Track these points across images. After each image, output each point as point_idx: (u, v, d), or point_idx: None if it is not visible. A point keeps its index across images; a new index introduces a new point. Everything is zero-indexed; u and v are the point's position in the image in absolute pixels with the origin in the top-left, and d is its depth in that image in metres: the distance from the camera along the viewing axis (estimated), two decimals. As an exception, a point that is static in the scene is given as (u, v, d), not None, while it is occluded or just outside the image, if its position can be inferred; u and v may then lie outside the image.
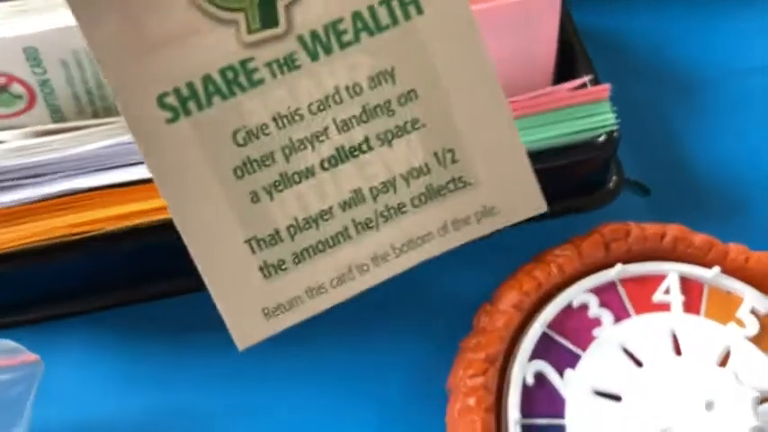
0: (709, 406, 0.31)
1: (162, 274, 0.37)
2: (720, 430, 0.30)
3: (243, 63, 0.15)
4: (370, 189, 0.16)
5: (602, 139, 0.37)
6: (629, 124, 0.44)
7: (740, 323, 0.36)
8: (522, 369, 0.34)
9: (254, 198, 0.16)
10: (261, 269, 0.16)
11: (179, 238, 0.17)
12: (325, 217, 0.16)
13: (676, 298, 0.36)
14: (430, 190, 0.17)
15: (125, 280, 0.38)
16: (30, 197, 0.33)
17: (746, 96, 0.47)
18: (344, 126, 0.16)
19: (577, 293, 0.36)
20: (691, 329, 0.35)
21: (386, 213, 0.17)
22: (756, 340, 0.35)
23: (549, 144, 0.36)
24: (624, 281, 0.37)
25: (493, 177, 0.17)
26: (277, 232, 0.16)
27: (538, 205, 0.17)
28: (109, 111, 0.38)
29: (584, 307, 0.36)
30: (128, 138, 0.34)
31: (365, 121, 0.16)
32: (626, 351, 0.34)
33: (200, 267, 0.16)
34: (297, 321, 0.16)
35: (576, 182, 0.40)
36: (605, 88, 0.36)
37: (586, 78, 0.36)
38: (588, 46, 0.41)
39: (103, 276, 0.38)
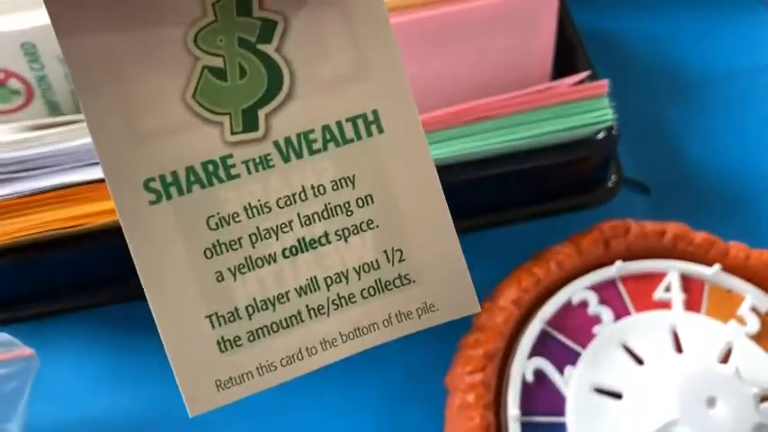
0: (711, 403, 0.30)
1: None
2: (722, 427, 0.30)
3: (223, 159, 0.17)
4: (325, 279, 0.18)
5: (601, 135, 0.37)
6: (630, 124, 0.44)
7: (741, 321, 0.35)
8: (522, 366, 0.34)
9: (220, 277, 0.17)
10: (218, 343, 0.17)
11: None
12: (282, 300, 0.18)
13: (677, 296, 0.36)
14: (378, 284, 0.18)
15: (120, 277, 0.38)
16: (24, 191, 0.33)
17: (746, 96, 0.47)
18: (307, 220, 0.18)
19: (577, 290, 0.36)
20: (692, 327, 0.35)
21: (337, 302, 0.18)
22: (757, 338, 0.35)
23: (548, 139, 0.36)
24: (624, 278, 0.36)
25: (434, 278, 0.19)
26: (236, 310, 0.18)
27: (473, 307, 0.19)
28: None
29: (583, 304, 0.36)
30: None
31: (326, 218, 0.18)
32: (626, 349, 0.34)
33: (162, 335, 0.17)
34: (245, 395, 0.18)
35: (577, 180, 0.40)
36: (604, 84, 0.36)
37: (585, 74, 0.36)
38: (589, 46, 0.41)
39: (99, 273, 0.38)
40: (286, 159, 0.18)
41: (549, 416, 0.33)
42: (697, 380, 0.31)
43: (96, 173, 0.33)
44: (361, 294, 0.18)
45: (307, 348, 0.18)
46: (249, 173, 0.17)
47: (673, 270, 0.36)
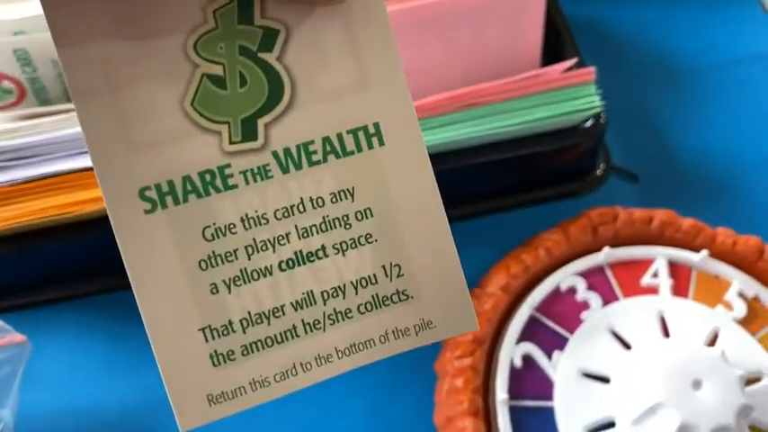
0: (697, 385, 0.31)
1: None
2: (708, 408, 0.30)
3: (221, 168, 0.17)
4: (322, 293, 0.18)
5: (589, 123, 0.37)
6: (618, 112, 0.45)
7: (728, 306, 0.36)
8: (510, 351, 0.34)
9: (214, 290, 0.17)
10: (211, 357, 0.17)
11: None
12: (277, 314, 0.18)
13: (665, 281, 0.36)
14: (375, 299, 0.18)
15: (114, 265, 0.38)
16: (17, 178, 0.33)
17: (734, 85, 0.48)
18: (305, 233, 0.18)
19: (565, 277, 0.36)
20: (679, 312, 0.35)
21: (333, 317, 0.18)
22: (744, 322, 0.35)
23: (537, 126, 0.36)
24: (612, 264, 0.37)
25: (433, 294, 0.18)
26: (230, 323, 0.17)
27: (471, 325, 0.19)
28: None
29: (572, 290, 0.36)
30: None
31: (324, 231, 0.18)
32: (614, 334, 0.34)
33: (154, 348, 0.17)
34: (238, 411, 0.17)
35: (566, 168, 0.41)
36: (590, 71, 0.36)
37: (572, 61, 0.36)
38: (580, 36, 0.41)
39: (92, 261, 0.38)
40: (285, 170, 0.17)
41: (537, 400, 0.33)
42: (683, 363, 0.31)
43: (89, 161, 0.34)
44: (358, 309, 0.18)
45: (301, 364, 0.18)
46: (247, 183, 0.17)
47: (660, 256, 0.37)
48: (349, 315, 0.18)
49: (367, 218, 0.18)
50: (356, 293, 0.18)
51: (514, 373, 0.34)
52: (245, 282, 0.17)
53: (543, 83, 0.36)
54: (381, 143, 0.18)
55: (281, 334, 0.18)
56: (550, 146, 0.38)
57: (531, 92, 0.35)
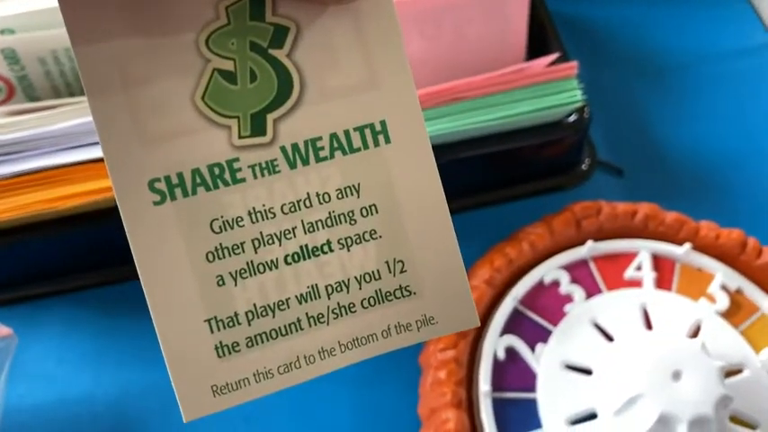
0: (677, 376, 0.31)
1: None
2: (687, 399, 0.30)
3: (229, 162, 0.17)
4: (326, 287, 0.18)
5: (573, 118, 0.38)
6: (603, 107, 0.45)
7: (711, 299, 0.36)
8: (494, 343, 0.34)
9: (220, 282, 0.17)
10: (216, 348, 0.17)
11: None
12: (282, 307, 0.18)
13: (648, 274, 0.36)
14: (379, 294, 0.18)
15: (101, 260, 0.39)
16: (5, 174, 0.33)
17: (716, 80, 0.48)
18: (311, 228, 0.18)
19: (549, 270, 0.36)
20: (662, 305, 0.35)
21: (337, 311, 0.18)
22: (726, 315, 0.35)
23: (520, 120, 0.36)
24: (596, 258, 0.37)
25: (435, 291, 0.18)
26: (236, 315, 0.17)
27: (472, 321, 0.19)
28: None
29: (555, 283, 0.36)
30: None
31: (329, 226, 0.18)
32: (597, 326, 0.35)
33: (160, 338, 0.17)
34: (241, 402, 0.18)
35: (551, 162, 0.41)
36: (573, 66, 0.36)
37: (554, 56, 0.37)
38: (563, 32, 0.41)
39: (80, 257, 0.38)
40: (292, 165, 0.18)
41: (519, 392, 0.33)
42: (664, 354, 0.31)
43: (75, 156, 0.34)
44: (362, 304, 0.18)
45: (305, 357, 0.18)
46: (255, 177, 0.17)
47: (644, 249, 0.37)
48: (352, 309, 0.18)
49: (372, 214, 0.18)
50: (360, 288, 0.18)
51: (498, 366, 0.34)
52: (251, 274, 0.17)
53: (526, 77, 0.36)
54: (387, 141, 0.18)
55: (285, 327, 0.18)
56: (535, 140, 0.38)
57: (514, 86, 0.36)
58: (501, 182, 0.41)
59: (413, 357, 0.36)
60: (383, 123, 0.18)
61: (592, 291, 0.36)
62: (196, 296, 0.17)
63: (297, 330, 0.18)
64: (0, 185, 0.33)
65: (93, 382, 0.37)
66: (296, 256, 0.18)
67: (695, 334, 0.35)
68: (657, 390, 0.30)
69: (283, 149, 0.17)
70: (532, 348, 0.34)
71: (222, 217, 0.17)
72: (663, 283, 0.36)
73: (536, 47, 0.40)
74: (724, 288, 0.36)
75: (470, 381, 0.34)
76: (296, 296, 0.18)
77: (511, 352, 0.34)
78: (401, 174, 0.18)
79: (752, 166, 0.44)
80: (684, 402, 0.30)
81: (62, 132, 0.34)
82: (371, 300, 0.18)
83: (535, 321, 0.35)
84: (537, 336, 0.35)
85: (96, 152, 0.34)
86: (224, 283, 0.17)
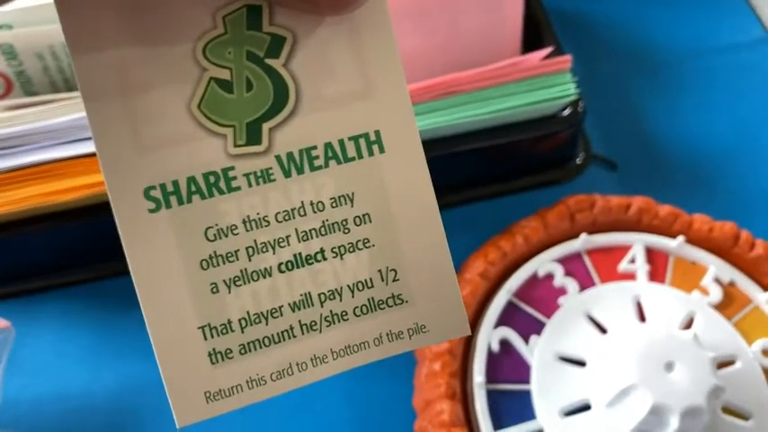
0: (669, 367, 0.31)
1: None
2: (680, 389, 0.30)
3: (225, 171, 0.17)
4: (319, 295, 0.18)
5: (567, 112, 0.38)
6: (598, 102, 0.45)
7: (704, 291, 0.36)
8: (488, 336, 0.34)
9: (214, 289, 0.17)
10: (210, 355, 0.17)
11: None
12: (275, 315, 0.18)
13: (641, 267, 0.37)
14: (371, 303, 0.18)
15: (98, 254, 0.39)
16: (3, 168, 0.34)
17: (711, 75, 0.48)
18: (305, 236, 0.18)
19: (543, 263, 0.37)
20: (655, 297, 0.35)
21: (330, 319, 0.18)
22: (719, 307, 0.36)
23: (514, 113, 0.37)
24: (590, 251, 0.37)
25: (427, 299, 0.19)
26: (229, 323, 0.18)
27: (463, 329, 0.19)
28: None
29: (549, 276, 0.36)
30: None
31: (323, 235, 0.18)
32: (591, 318, 0.35)
33: (154, 344, 0.17)
34: (234, 408, 0.18)
35: (546, 156, 0.41)
36: (566, 59, 0.37)
37: (548, 50, 0.37)
38: (559, 26, 0.42)
39: (77, 250, 0.39)
40: (287, 174, 0.18)
41: (513, 383, 0.34)
42: (656, 345, 0.32)
43: (72, 150, 0.34)
44: (354, 312, 0.18)
45: (297, 364, 0.18)
46: (250, 186, 0.17)
47: (637, 242, 0.37)
48: (345, 317, 0.18)
49: (365, 223, 0.18)
50: (353, 296, 0.18)
51: (492, 358, 0.34)
52: (244, 282, 0.18)
53: (520, 71, 0.36)
54: (382, 150, 0.18)
55: (278, 334, 0.18)
56: (530, 134, 0.38)
57: (508, 80, 0.36)
58: (496, 176, 0.42)
59: (408, 350, 0.36)
60: (377, 133, 0.18)
61: (585, 283, 0.36)
62: (190, 303, 0.17)
63: (290, 338, 0.18)
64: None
65: (91, 375, 0.37)
66: (289, 265, 0.18)
67: (688, 326, 0.35)
68: (650, 381, 0.31)
69: (278, 158, 0.18)
70: (526, 340, 0.34)
71: (217, 225, 0.17)
72: (656, 275, 0.37)
73: (531, 41, 0.40)
74: (717, 280, 0.36)
75: (465, 372, 0.34)
76: (289, 304, 0.18)
77: (505, 344, 0.34)
78: (395, 183, 0.18)
79: (745, 159, 0.44)
80: (677, 393, 0.30)
81: (60, 127, 0.34)
82: (364, 308, 0.18)
83: (529, 314, 0.35)
84: (531, 328, 0.35)
85: (93, 146, 0.34)
86: (218, 291, 0.17)
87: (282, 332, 0.18)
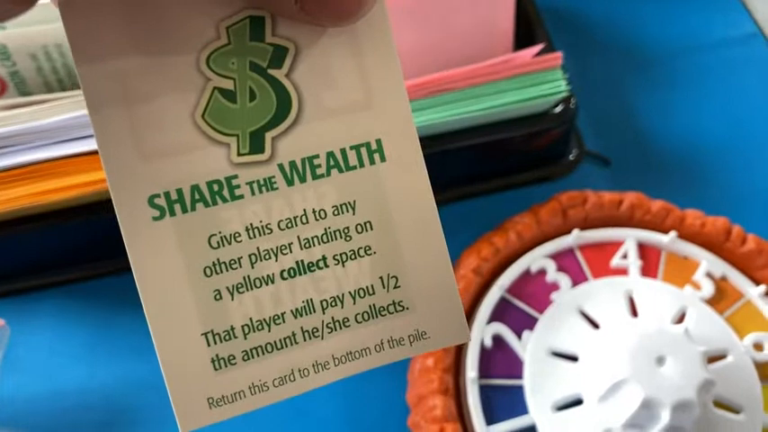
0: (661, 361, 0.31)
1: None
2: (671, 383, 0.31)
3: (228, 179, 0.18)
4: (321, 302, 0.18)
5: (559, 109, 0.38)
6: (591, 99, 0.45)
7: (696, 286, 0.36)
8: (481, 331, 0.35)
9: (218, 296, 0.18)
10: (213, 361, 0.18)
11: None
12: (278, 321, 0.18)
13: (634, 262, 0.37)
14: (372, 309, 0.18)
15: (95, 253, 0.39)
16: (-3, 167, 0.34)
17: (702, 71, 0.48)
18: (307, 244, 0.18)
19: (535, 259, 0.37)
20: (647, 292, 0.36)
21: (332, 325, 0.18)
22: (711, 302, 0.36)
23: (506, 110, 0.37)
24: (582, 247, 0.37)
25: (428, 306, 0.19)
26: (232, 329, 0.18)
27: (464, 336, 0.19)
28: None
29: (542, 272, 0.37)
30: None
31: (325, 242, 0.18)
32: (583, 314, 0.35)
33: (158, 350, 0.17)
34: (237, 414, 0.18)
35: (539, 153, 0.41)
36: (557, 56, 0.37)
37: (539, 47, 0.37)
38: (552, 23, 0.42)
39: (72, 249, 0.39)
40: (290, 182, 0.18)
41: (506, 378, 0.34)
42: (648, 340, 0.32)
43: (66, 149, 0.34)
44: (356, 319, 0.18)
45: (299, 370, 0.18)
46: (253, 194, 0.18)
47: (630, 238, 0.37)
48: (347, 324, 0.18)
49: (367, 231, 0.18)
50: (354, 303, 0.18)
51: (485, 353, 0.34)
52: (247, 289, 0.18)
53: (512, 68, 0.36)
54: (383, 159, 0.18)
55: (280, 341, 0.18)
56: (522, 131, 0.38)
57: (500, 77, 0.36)
58: (490, 173, 0.42)
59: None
60: (379, 142, 0.18)
61: (578, 279, 0.36)
62: (193, 310, 0.17)
63: (292, 344, 0.18)
64: (-8, 179, 0.34)
65: (86, 373, 0.37)
66: (292, 272, 0.18)
67: (680, 321, 0.35)
68: (641, 375, 0.31)
69: (281, 167, 0.18)
70: (519, 336, 0.35)
71: (220, 233, 0.18)
72: (649, 270, 0.37)
73: (523, 38, 0.40)
74: (709, 275, 0.36)
75: (458, 368, 0.34)
76: (291, 311, 0.18)
77: (498, 340, 0.35)
78: (395, 191, 0.18)
79: (737, 155, 0.45)
80: (668, 387, 0.30)
81: (54, 126, 0.34)
82: (365, 314, 0.18)
83: (522, 309, 0.35)
84: (523, 323, 0.35)
85: (87, 145, 0.34)
86: (221, 298, 0.18)
87: (285, 339, 0.18)
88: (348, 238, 0.18)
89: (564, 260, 0.37)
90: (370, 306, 0.18)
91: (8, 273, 0.39)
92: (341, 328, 0.18)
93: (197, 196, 0.17)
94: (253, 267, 0.18)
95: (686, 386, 0.30)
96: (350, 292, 0.18)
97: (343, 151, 0.18)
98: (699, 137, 0.45)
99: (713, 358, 0.34)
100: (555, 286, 0.36)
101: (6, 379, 0.34)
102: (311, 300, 0.18)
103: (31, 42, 0.37)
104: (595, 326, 0.35)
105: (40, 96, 0.36)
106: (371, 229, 0.18)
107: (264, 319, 0.18)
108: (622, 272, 0.37)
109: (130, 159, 0.17)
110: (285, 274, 0.18)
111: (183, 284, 0.17)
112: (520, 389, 0.33)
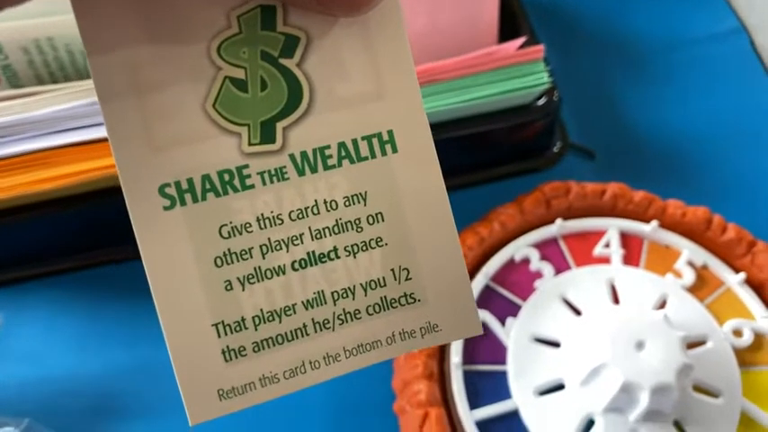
0: (640, 346, 0.32)
1: (123, 238, 0.38)
2: (650, 367, 0.31)
3: (239, 169, 0.17)
4: (332, 293, 0.18)
5: (542, 101, 0.39)
6: (576, 92, 0.46)
7: (677, 274, 0.37)
8: (465, 318, 0.35)
9: (228, 287, 0.17)
10: (223, 353, 0.18)
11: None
12: (289, 313, 0.18)
13: (616, 251, 0.37)
14: (384, 301, 0.18)
15: (87, 243, 0.40)
16: (-10, 157, 0.35)
17: (684, 65, 0.49)
18: (318, 234, 0.18)
19: (519, 248, 0.37)
20: (629, 280, 0.36)
21: (343, 317, 0.18)
22: (692, 290, 0.36)
23: (489, 102, 0.37)
24: (565, 236, 0.38)
25: (439, 298, 0.19)
26: (243, 320, 0.18)
27: (476, 329, 0.19)
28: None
29: (525, 260, 0.37)
30: (84, 101, 0.35)
31: (336, 233, 0.18)
32: (565, 301, 0.36)
33: (167, 341, 0.17)
34: (247, 406, 0.18)
35: (524, 145, 0.42)
36: (539, 49, 0.38)
37: (522, 40, 0.38)
38: (537, 17, 0.43)
39: (65, 239, 0.39)
40: (301, 173, 0.18)
41: (490, 364, 0.34)
42: (628, 325, 0.32)
43: (58, 140, 0.35)
44: (367, 311, 0.18)
45: (310, 362, 0.18)
46: (264, 184, 0.18)
47: (612, 227, 0.38)
48: (358, 316, 0.18)
49: (378, 222, 0.18)
50: (365, 295, 0.18)
51: (469, 339, 0.35)
52: (258, 280, 0.18)
53: (495, 60, 0.37)
54: (394, 150, 0.18)
55: (291, 332, 0.18)
56: (507, 122, 0.39)
57: (484, 69, 0.37)
58: (476, 165, 0.42)
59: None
60: (390, 133, 0.18)
61: (561, 267, 0.37)
62: (204, 300, 0.17)
63: (303, 336, 0.18)
64: (-14, 168, 0.34)
65: (77, 361, 0.38)
66: (303, 263, 0.18)
67: (661, 307, 0.36)
68: (621, 359, 0.31)
69: (292, 157, 0.18)
70: (503, 323, 0.35)
71: (231, 223, 0.17)
72: (631, 259, 0.37)
73: (508, 32, 0.41)
74: (690, 264, 0.37)
75: (442, 354, 0.35)
76: (302, 302, 0.18)
77: (482, 326, 0.35)
78: (407, 182, 0.18)
79: (717, 146, 0.45)
80: (647, 371, 0.31)
81: (46, 117, 0.35)
82: (377, 306, 0.18)
83: (505, 297, 0.36)
84: (507, 310, 0.36)
85: (79, 136, 0.35)
86: (232, 288, 0.18)
87: (296, 330, 0.18)
88: (359, 230, 0.18)
89: (547, 249, 0.38)
90: (381, 298, 0.18)
91: (2, 262, 0.40)
92: (352, 319, 0.18)
93: (208, 186, 0.17)
94: (264, 258, 0.18)
95: (665, 370, 0.31)
96: (361, 284, 0.18)
97: (354, 142, 0.18)
98: (681, 129, 0.46)
99: (694, 344, 0.34)
100: (538, 274, 0.37)
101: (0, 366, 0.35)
102: (322, 291, 0.18)
103: (22, 36, 0.38)
104: (577, 313, 0.35)
105: (32, 89, 0.36)
106: (383, 220, 0.18)
107: (275, 311, 0.18)
108: (605, 260, 0.37)
109: (141, 149, 0.17)
110: (296, 265, 0.18)
111: (193, 275, 0.17)
112: (503, 374, 0.34)
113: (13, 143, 0.35)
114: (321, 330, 0.18)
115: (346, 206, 0.18)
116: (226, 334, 0.17)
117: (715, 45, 0.50)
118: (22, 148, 0.35)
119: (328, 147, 0.18)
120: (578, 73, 0.47)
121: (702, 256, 0.37)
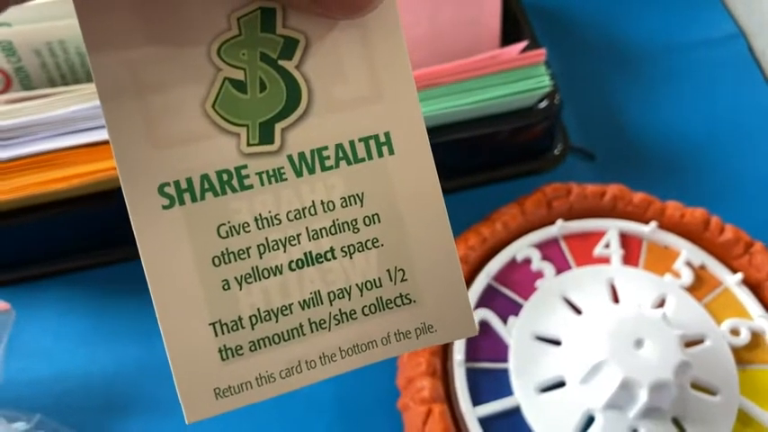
0: (639, 344, 0.32)
1: (134, 237, 0.38)
2: (648, 364, 0.32)
3: (237, 169, 0.18)
4: (329, 293, 0.18)
5: (543, 104, 0.39)
6: (576, 95, 0.47)
7: (676, 274, 0.38)
8: (468, 316, 0.36)
9: (226, 286, 0.18)
10: (220, 351, 0.18)
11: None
12: (285, 312, 0.18)
13: (616, 251, 0.38)
14: (379, 302, 0.19)
15: (98, 242, 0.40)
16: (3, 158, 0.35)
17: (683, 69, 0.50)
18: (315, 235, 0.18)
19: (521, 248, 0.38)
20: (629, 280, 0.37)
21: (339, 317, 0.18)
22: (691, 289, 0.37)
23: (491, 105, 0.38)
24: (566, 236, 0.39)
25: (435, 299, 0.19)
26: (240, 319, 0.18)
27: (471, 330, 0.19)
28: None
29: (527, 260, 0.38)
30: (95, 103, 0.36)
31: (333, 234, 0.18)
32: (566, 300, 0.36)
33: (165, 340, 0.17)
34: (243, 405, 0.18)
35: (525, 147, 0.43)
36: (541, 53, 0.38)
37: (523, 44, 0.38)
38: (538, 22, 0.43)
39: (77, 238, 0.40)
40: (298, 174, 0.18)
41: (492, 362, 0.35)
42: (627, 324, 0.33)
43: (69, 140, 0.36)
44: (363, 311, 0.18)
45: (306, 362, 0.18)
46: (262, 184, 0.18)
47: (612, 228, 0.39)
48: (354, 316, 0.18)
49: (375, 223, 0.18)
50: (361, 295, 0.18)
51: (471, 337, 0.35)
52: (255, 279, 0.18)
53: (497, 63, 0.37)
54: (391, 152, 0.18)
55: (287, 332, 0.18)
56: (508, 125, 0.40)
57: (486, 72, 0.37)
58: (478, 166, 0.43)
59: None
60: (387, 135, 0.18)
61: (562, 267, 0.38)
62: (201, 299, 0.17)
63: (299, 336, 0.18)
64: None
65: (88, 358, 0.39)
66: (300, 263, 0.18)
67: (660, 307, 0.36)
68: (620, 357, 0.32)
69: (290, 158, 0.18)
70: (505, 321, 0.36)
71: (229, 222, 0.18)
72: (630, 259, 0.38)
73: (510, 36, 0.42)
74: (688, 264, 0.38)
75: (445, 352, 0.36)
76: (299, 302, 0.18)
77: (484, 325, 0.36)
78: (404, 184, 0.18)
79: (716, 149, 0.46)
80: (645, 368, 0.32)
81: (57, 119, 0.36)
82: (372, 307, 0.18)
83: (507, 296, 0.37)
84: (509, 309, 0.36)
85: (89, 137, 0.36)
86: (229, 288, 0.18)
87: (292, 330, 0.18)
88: (356, 230, 0.18)
89: (548, 249, 0.38)
90: (377, 299, 0.18)
91: (14, 261, 0.40)
92: (348, 320, 0.18)
93: (206, 185, 0.17)
94: (261, 258, 0.18)
95: (663, 367, 0.32)
96: (357, 285, 0.18)
97: (351, 143, 0.18)
98: (679, 132, 0.46)
99: (692, 343, 0.35)
100: (539, 274, 0.37)
101: (11, 362, 0.35)
102: (319, 291, 0.18)
103: (35, 39, 0.39)
104: (578, 312, 0.36)
105: (44, 90, 0.37)
106: (379, 221, 0.18)
107: (272, 310, 0.18)
108: (605, 260, 0.38)
109: (140, 148, 0.17)
110: (293, 265, 0.18)
111: (191, 273, 0.17)
112: (505, 371, 0.35)
113: (26, 144, 0.36)
114: (317, 330, 0.18)
115: (343, 207, 0.18)
116: (223, 333, 0.18)
117: (713, 49, 0.51)
118: (34, 148, 0.36)
119: (326, 148, 0.18)
120: (579, 77, 0.48)
121: (700, 256, 0.38)
